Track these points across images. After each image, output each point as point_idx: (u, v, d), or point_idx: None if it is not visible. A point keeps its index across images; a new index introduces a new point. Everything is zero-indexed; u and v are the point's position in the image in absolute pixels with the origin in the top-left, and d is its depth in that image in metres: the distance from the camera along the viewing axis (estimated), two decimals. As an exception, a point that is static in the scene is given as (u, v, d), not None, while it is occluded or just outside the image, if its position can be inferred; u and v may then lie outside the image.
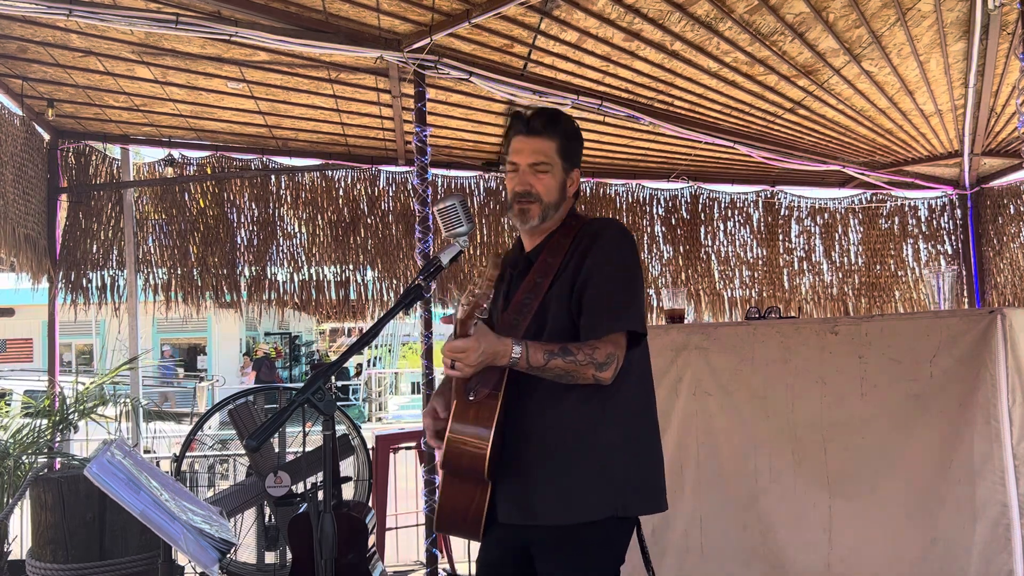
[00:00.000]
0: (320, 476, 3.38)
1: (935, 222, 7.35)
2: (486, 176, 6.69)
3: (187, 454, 4.61)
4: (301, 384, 5.96)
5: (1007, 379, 2.91)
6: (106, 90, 5.18)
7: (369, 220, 6.48)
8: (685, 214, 7.19)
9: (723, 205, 7.27)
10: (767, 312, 3.90)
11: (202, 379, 18.89)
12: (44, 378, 6.42)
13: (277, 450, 4.14)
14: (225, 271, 6.18)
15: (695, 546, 3.63)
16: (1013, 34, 4.41)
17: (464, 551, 4.94)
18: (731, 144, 5.90)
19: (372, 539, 3.68)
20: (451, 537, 4.98)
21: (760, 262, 7.29)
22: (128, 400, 5.68)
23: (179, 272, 6.11)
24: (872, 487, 3.20)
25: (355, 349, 2.03)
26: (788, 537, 3.39)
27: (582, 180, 2.23)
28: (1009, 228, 6.84)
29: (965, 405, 2.99)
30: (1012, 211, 6.82)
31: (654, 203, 7.15)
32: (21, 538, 4.46)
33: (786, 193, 7.34)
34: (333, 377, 2.31)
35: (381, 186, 6.49)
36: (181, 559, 3.78)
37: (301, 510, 3.42)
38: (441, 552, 4.81)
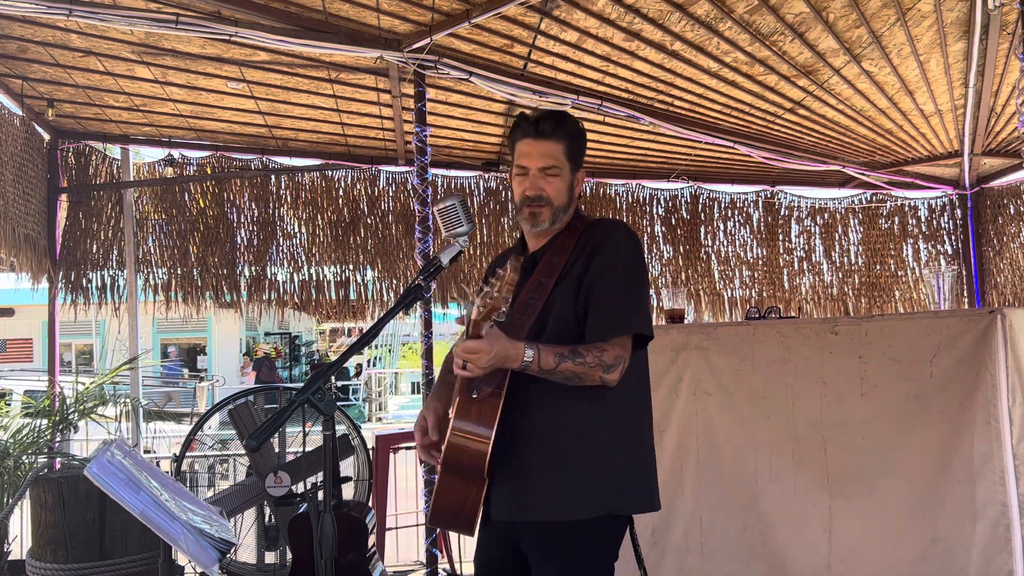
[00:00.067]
0: (320, 476, 3.38)
1: (935, 222, 7.35)
2: (486, 176, 6.69)
3: (187, 454, 4.61)
4: (301, 384, 5.96)
5: (1007, 379, 2.91)
6: (106, 90, 5.18)
7: (369, 220, 6.48)
8: (685, 214, 7.19)
9: (723, 205, 7.27)
10: (767, 312, 3.90)
11: (202, 379, 18.90)
12: (44, 378, 6.42)
13: (277, 450, 4.14)
14: (225, 271, 6.19)
15: (695, 546, 3.63)
16: (1013, 34, 4.41)
17: (464, 551, 4.94)
18: (731, 144, 5.90)
19: (372, 539, 3.68)
20: (451, 537, 4.99)
21: (760, 262, 7.29)
22: (128, 400, 5.68)
23: (179, 272, 6.11)
24: (872, 487, 3.20)
25: (355, 349, 2.04)
26: (788, 537, 3.39)
27: (582, 180, 2.23)
28: (1009, 228, 6.84)
29: (965, 405, 2.99)
30: (1012, 211, 6.82)
31: (654, 203, 7.15)
32: (21, 538, 4.45)
33: (786, 193, 7.34)
34: (333, 377, 2.31)
35: (381, 186, 6.49)
36: (181, 559, 3.78)
37: (301, 510, 3.42)
38: (441, 552, 4.81)
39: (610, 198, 7.01)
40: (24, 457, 4.54)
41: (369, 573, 3.47)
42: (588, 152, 2.21)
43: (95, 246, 5.95)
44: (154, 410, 6.48)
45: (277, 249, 6.31)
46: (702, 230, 7.22)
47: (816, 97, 5.19)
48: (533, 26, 4.35)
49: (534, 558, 2.02)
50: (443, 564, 4.81)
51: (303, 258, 6.36)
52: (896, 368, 3.16)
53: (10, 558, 4.20)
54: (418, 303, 3.54)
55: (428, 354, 4.59)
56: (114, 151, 6.09)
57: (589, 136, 2.23)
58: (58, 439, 4.85)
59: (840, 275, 7.36)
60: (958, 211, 7.25)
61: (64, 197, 5.84)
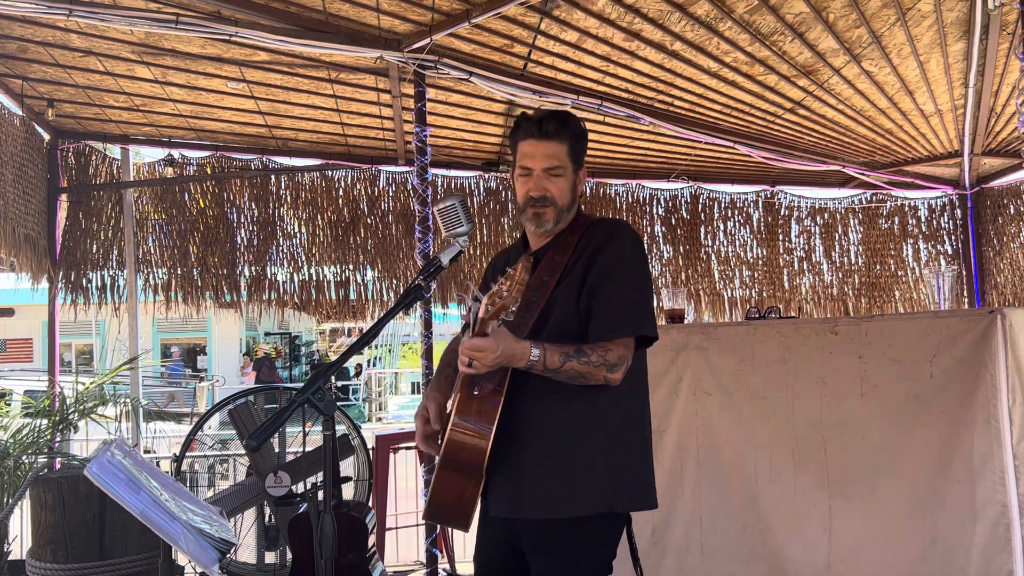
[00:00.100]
0: (320, 476, 3.38)
1: (935, 222, 7.35)
2: (486, 176, 6.69)
3: (187, 454, 4.61)
4: (301, 384, 5.96)
5: (1007, 379, 2.91)
6: (106, 90, 5.18)
7: (369, 220, 6.48)
8: (685, 214, 7.19)
9: (723, 205, 7.27)
10: (767, 312, 3.90)
11: (202, 379, 18.90)
12: (44, 378, 6.42)
13: (277, 450, 4.14)
14: (225, 271, 6.19)
15: (695, 546, 3.63)
16: (1013, 34, 4.41)
17: (465, 551, 4.94)
18: (731, 144, 5.90)
19: (372, 539, 3.68)
20: (451, 537, 4.99)
21: (760, 262, 7.29)
22: (128, 400, 5.68)
23: (179, 272, 6.11)
24: (872, 487, 3.20)
25: (355, 349, 2.04)
26: (788, 537, 3.39)
27: (581, 180, 2.24)
28: (1009, 228, 6.84)
29: (965, 405, 2.99)
30: (1012, 211, 6.82)
31: (654, 203, 7.15)
32: (21, 538, 4.45)
33: (786, 193, 7.34)
34: (333, 377, 2.31)
35: (381, 186, 6.49)
36: (181, 559, 3.78)
37: (301, 510, 3.42)
38: (441, 552, 4.81)
39: (610, 198, 7.01)
40: (24, 457, 4.54)
41: (369, 573, 3.47)
42: (588, 152, 2.22)
43: (95, 246, 5.95)
44: (154, 410, 6.48)
45: (277, 249, 6.31)
46: (702, 230, 7.22)
47: (816, 97, 5.19)
48: (533, 26, 4.35)
49: (533, 556, 2.03)
50: (443, 564, 4.81)
51: (303, 258, 6.36)
52: (896, 368, 3.16)
53: (10, 558, 4.20)
54: (418, 303, 3.54)
55: (428, 354, 4.58)
56: (114, 151, 6.09)
57: (589, 136, 2.24)
58: (58, 439, 4.85)
59: (840, 275, 7.36)
60: (958, 211, 7.25)
61: (64, 197, 5.84)
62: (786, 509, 3.41)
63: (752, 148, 5.98)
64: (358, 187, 6.45)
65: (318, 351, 23.60)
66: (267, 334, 23.34)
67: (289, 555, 3.57)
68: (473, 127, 5.88)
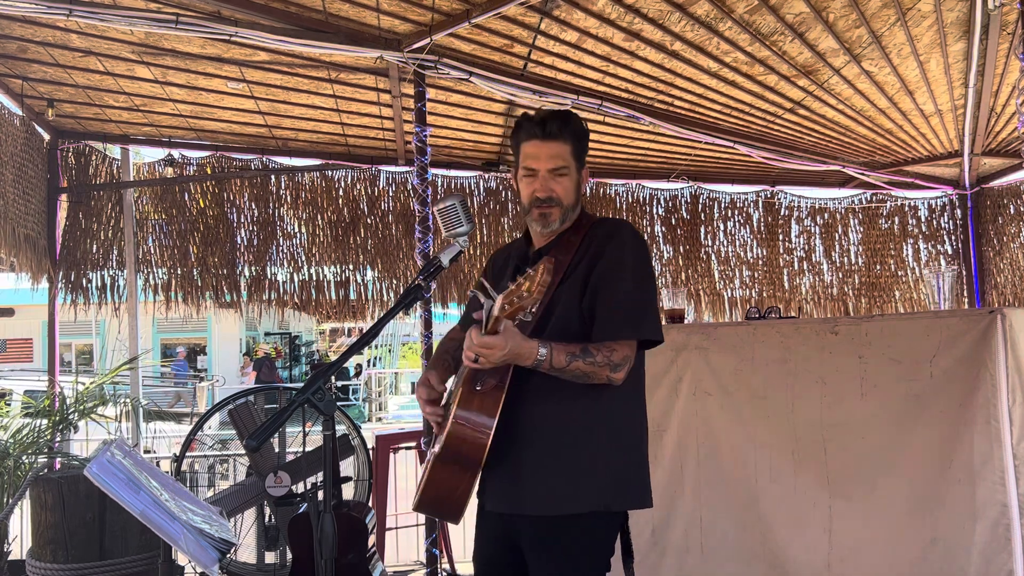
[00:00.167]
0: (320, 476, 3.38)
1: (935, 222, 7.35)
2: (486, 176, 6.69)
3: (187, 454, 4.61)
4: (301, 384, 5.96)
5: (1007, 379, 2.91)
6: (106, 90, 5.18)
7: (369, 220, 6.48)
8: (685, 214, 7.19)
9: (723, 205, 7.27)
10: (767, 312, 3.90)
11: (202, 379, 18.90)
12: (44, 378, 6.42)
13: (277, 450, 4.14)
14: (225, 271, 6.18)
15: (695, 546, 3.63)
16: (1013, 34, 4.41)
17: (464, 551, 4.94)
18: (731, 144, 5.90)
19: (372, 539, 3.68)
20: (451, 537, 4.99)
21: (760, 262, 7.29)
22: (128, 400, 5.68)
23: (179, 272, 6.11)
24: (872, 487, 3.20)
25: (355, 349, 2.04)
26: (788, 537, 3.39)
27: (582, 180, 2.24)
28: (1009, 228, 6.84)
29: (965, 405, 2.99)
30: (1012, 211, 6.82)
31: (654, 203, 7.15)
32: (21, 538, 4.45)
33: (786, 193, 7.34)
34: (333, 377, 2.32)
35: (381, 186, 6.49)
36: (181, 559, 3.78)
37: (301, 510, 3.42)
38: (441, 552, 4.81)
39: (610, 198, 7.01)
40: (24, 457, 4.54)
41: (369, 573, 3.48)
42: (588, 152, 2.23)
43: (95, 246, 5.95)
44: (154, 410, 6.48)
45: (277, 249, 6.31)
46: (702, 230, 7.22)
47: (816, 97, 5.19)
48: (533, 26, 4.35)
49: (530, 553, 2.05)
50: (443, 564, 4.81)
51: (303, 258, 6.36)
52: (896, 368, 3.16)
53: (10, 558, 4.20)
54: (418, 303, 3.54)
55: (428, 354, 4.59)
56: (114, 151, 6.10)
57: (589, 136, 2.24)
58: (58, 439, 4.85)
59: (840, 275, 7.36)
60: (958, 211, 7.25)
61: (64, 197, 5.84)
62: (786, 509, 3.41)
63: (752, 148, 5.98)
64: (358, 187, 6.45)
65: (318, 351, 23.60)
66: (267, 334, 23.34)
67: (289, 555, 3.58)
68: (473, 127, 5.88)
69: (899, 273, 7.35)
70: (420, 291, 2.03)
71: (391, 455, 5.14)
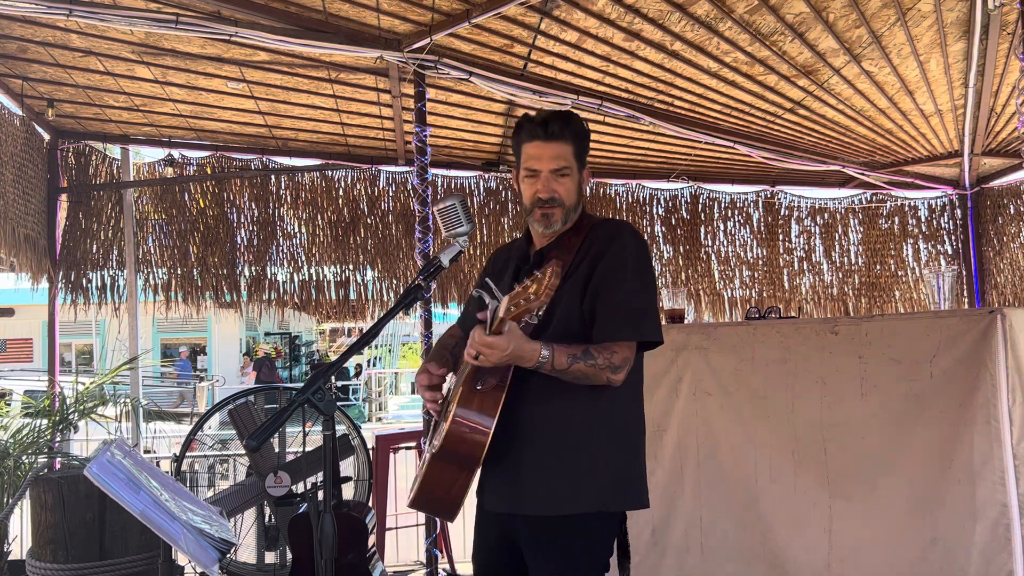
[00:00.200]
0: (320, 476, 3.38)
1: (935, 222, 7.35)
2: (486, 176, 6.69)
3: (187, 454, 4.61)
4: (301, 384, 5.96)
5: (1007, 379, 2.91)
6: (106, 90, 5.18)
7: (369, 220, 6.48)
8: (685, 214, 7.19)
9: (723, 205, 7.27)
10: (767, 312, 3.90)
11: (202, 379, 18.89)
12: (44, 378, 6.42)
13: (277, 450, 4.14)
14: (225, 271, 6.18)
15: (695, 546, 3.63)
16: (1013, 34, 4.41)
17: (464, 551, 4.94)
18: (731, 144, 5.90)
19: (372, 539, 3.68)
20: (451, 536, 4.99)
21: (760, 262, 7.29)
22: (128, 400, 5.68)
23: (179, 272, 6.12)
24: (872, 487, 3.20)
25: (355, 349, 2.04)
26: (788, 537, 3.39)
27: (582, 181, 2.24)
28: (1009, 228, 6.84)
29: (965, 405, 2.99)
30: (1012, 211, 6.82)
31: (654, 203, 7.15)
32: (21, 538, 4.45)
33: (786, 193, 7.34)
34: (333, 377, 2.32)
35: (381, 186, 6.49)
36: (181, 559, 3.77)
37: (301, 510, 3.42)
38: (441, 552, 4.81)
39: (610, 198, 7.01)
40: (24, 457, 4.54)
41: (369, 573, 3.48)
42: (589, 152, 2.23)
43: (95, 246, 5.95)
44: (154, 410, 6.48)
45: (277, 249, 6.31)
46: (702, 230, 7.22)
47: (816, 97, 5.19)
48: (533, 26, 4.35)
49: (529, 553, 2.05)
50: (443, 564, 4.81)
51: (303, 258, 6.36)
52: (896, 368, 3.16)
53: (10, 558, 4.20)
54: (418, 303, 3.54)
55: (428, 354, 4.58)
56: (114, 151, 6.10)
57: (590, 136, 2.24)
58: (58, 439, 4.85)
59: (840, 275, 7.36)
60: (958, 211, 7.25)
61: (64, 197, 5.84)
62: (786, 509, 3.41)
63: (752, 148, 5.98)
64: (358, 187, 6.45)
65: (318, 351, 23.60)
66: (267, 334, 23.33)
67: (289, 555, 3.58)
68: (473, 127, 5.88)
69: (899, 273, 7.35)
70: (420, 291, 2.03)
71: (391, 455, 5.14)
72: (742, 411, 3.56)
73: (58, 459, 4.79)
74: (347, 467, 4.33)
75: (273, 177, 6.26)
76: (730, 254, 7.26)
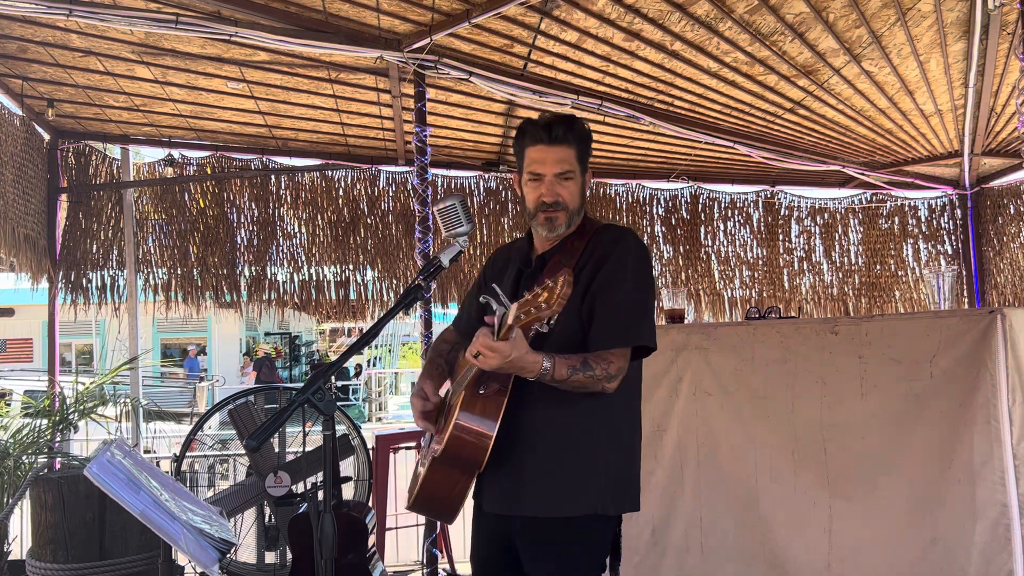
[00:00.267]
0: (320, 476, 3.38)
1: (935, 222, 7.35)
2: (486, 176, 6.69)
3: (187, 454, 4.61)
4: (301, 384, 5.96)
5: (1007, 379, 2.90)
6: (106, 90, 5.18)
7: (369, 220, 6.48)
8: (685, 214, 7.19)
9: (723, 205, 7.27)
10: (767, 312, 3.90)
11: (202, 379, 18.89)
12: (44, 378, 6.42)
13: (277, 450, 4.14)
14: (225, 271, 6.19)
15: (695, 546, 3.63)
16: (1013, 34, 4.41)
17: (464, 551, 4.94)
18: (731, 144, 5.90)
19: (372, 539, 3.68)
20: (451, 537, 4.99)
21: (760, 262, 7.29)
22: (128, 400, 5.68)
23: (179, 272, 6.12)
24: (872, 487, 3.20)
25: (355, 349, 2.04)
26: (788, 537, 3.39)
27: (582, 181, 2.24)
28: (1009, 228, 6.84)
29: (965, 405, 2.98)
30: (1012, 211, 6.82)
31: (654, 203, 7.15)
32: (21, 538, 4.45)
33: (786, 193, 7.34)
34: (333, 377, 2.32)
35: (381, 186, 6.49)
36: (181, 559, 3.78)
37: (301, 510, 3.42)
38: (441, 552, 4.81)
39: (610, 198, 7.01)
40: (24, 457, 4.54)
41: (369, 573, 3.47)
42: (591, 155, 2.23)
43: (95, 246, 5.95)
44: (154, 410, 6.48)
45: (277, 249, 6.31)
46: (702, 230, 7.23)
47: (816, 97, 5.19)
48: (533, 26, 4.35)
49: (527, 554, 2.06)
50: (443, 564, 4.81)
51: (303, 258, 6.36)
52: (896, 368, 3.16)
53: (10, 558, 4.20)
54: (418, 303, 3.54)
55: (427, 354, 4.58)
56: (114, 151, 6.10)
57: (592, 139, 2.24)
58: (58, 439, 4.85)
59: (840, 275, 7.36)
60: (958, 211, 7.25)
61: (64, 197, 5.84)
62: (786, 509, 3.41)
63: (752, 148, 5.98)
64: (358, 187, 6.45)
65: (318, 351, 23.59)
66: (267, 334, 23.33)
67: (289, 555, 3.57)
68: (473, 127, 5.88)
69: (899, 273, 7.35)
70: (420, 291, 2.03)
71: (391, 455, 5.13)
72: (742, 411, 3.56)
73: (58, 459, 4.79)
74: (347, 467, 4.33)
75: (273, 177, 6.26)
76: (730, 254, 7.26)
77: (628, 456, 2.11)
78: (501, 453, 1.97)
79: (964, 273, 7.12)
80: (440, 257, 2.05)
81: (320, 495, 2.07)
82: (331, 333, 24.51)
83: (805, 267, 7.37)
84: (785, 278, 7.31)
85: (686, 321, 4.36)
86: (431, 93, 4.95)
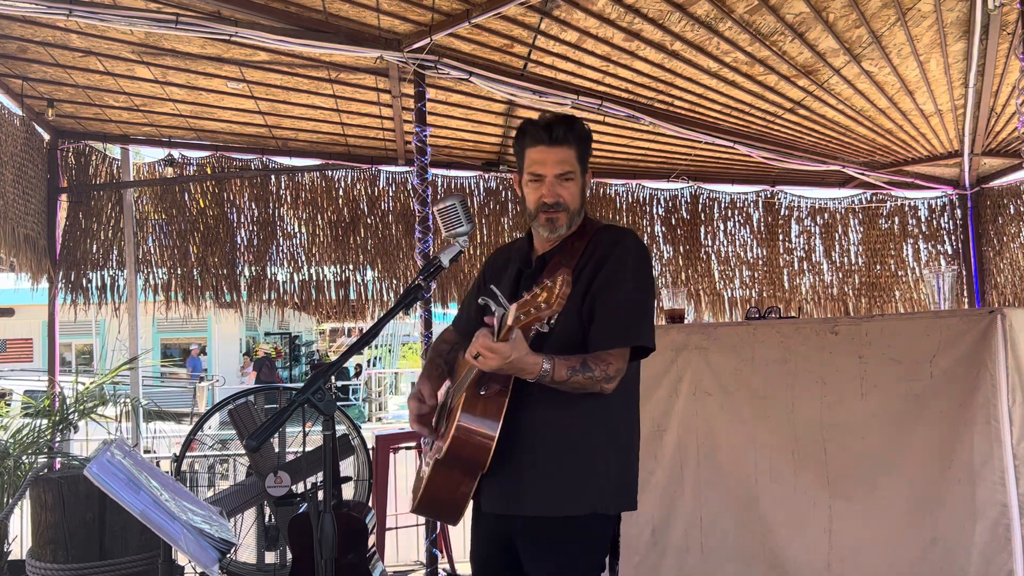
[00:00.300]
0: (320, 476, 3.38)
1: (935, 222, 7.35)
2: (486, 176, 6.69)
3: (187, 454, 4.61)
4: (301, 384, 5.96)
5: (1007, 379, 2.90)
6: (106, 90, 5.18)
7: (369, 220, 6.48)
8: (685, 214, 7.19)
9: (723, 205, 7.27)
10: (767, 312, 3.90)
11: (202, 379, 18.89)
12: (44, 378, 6.41)
13: (277, 450, 4.14)
14: (225, 271, 6.19)
15: (695, 546, 3.63)
16: (1013, 34, 4.41)
17: (464, 551, 4.94)
18: (731, 144, 5.90)
19: (372, 539, 3.68)
20: (451, 537, 4.99)
21: (760, 262, 7.29)
22: (128, 400, 5.68)
23: (179, 272, 6.12)
24: (872, 487, 3.20)
25: (355, 349, 2.04)
26: (788, 537, 3.39)
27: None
28: (1009, 228, 6.84)
29: (965, 405, 2.98)
30: (1012, 211, 6.82)
31: (654, 203, 7.15)
32: (21, 538, 4.45)
33: (786, 193, 7.34)
34: (333, 377, 2.32)
35: (381, 186, 6.49)
36: (181, 559, 3.78)
37: (301, 510, 3.42)
38: (441, 552, 4.81)
39: (610, 198, 7.01)
40: (24, 457, 4.54)
41: (369, 573, 3.48)
42: (591, 155, 2.23)
43: (95, 246, 5.95)
44: (154, 410, 6.48)
45: (277, 249, 6.31)
46: (702, 230, 7.23)
47: (816, 97, 5.19)
48: (533, 26, 4.35)
49: (525, 554, 2.07)
50: (443, 564, 4.81)
51: (303, 258, 6.36)
52: (896, 368, 3.16)
53: (10, 558, 4.20)
54: (418, 303, 3.54)
55: (427, 354, 4.58)
56: (114, 151, 6.10)
57: (592, 139, 2.24)
58: (58, 439, 4.85)
59: (840, 275, 7.36)
60: (958, 211, 7.25)
61: (64, 197, 5.84)
62: (786, 509, 3.41)
63: (752, 148, 5.98)
64: (358, 187, 6.45)
65: (318, 351, 23.59)
66: (267, 334, 23.33)
67: (289, 555, 3.58)
68: (473, 127, 5.88)
69: (899, 273, 7.35)
70: (420, 291, 2.03)
71: (391, 455, 5.14)
72: (742, 411, 3.56)
73: (58, 459, 4.79)
74: (347, 467, 4.33)
75: (273, 177, 6.26)
76: (730, 254, 7.26)
77: (627, 456, 2.11)
78: (501, 454, 1.97)
79: (964, 273, 7.12)
80: (440, 257, 2.05)
81: (320, 495, 2.07)
82: (331, 333, 24.52)
83: (805, 267, 7.37)
84: (785, 278, 7.31)
85: (686, 321, 4.36)
86: (431, 93, 4.95)
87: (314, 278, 6.37)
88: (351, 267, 6.44)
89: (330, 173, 6.38)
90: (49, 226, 5.64)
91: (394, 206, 6.51)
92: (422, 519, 4.75)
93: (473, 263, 6.61)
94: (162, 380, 18.15)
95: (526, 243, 2.25)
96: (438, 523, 4.54)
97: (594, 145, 2.24)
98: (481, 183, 6.71)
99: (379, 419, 16.26)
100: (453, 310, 6.86)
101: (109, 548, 3.50)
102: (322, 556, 1.92)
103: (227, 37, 4.16)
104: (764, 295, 7.26)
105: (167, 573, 2.80)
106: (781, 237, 7.34)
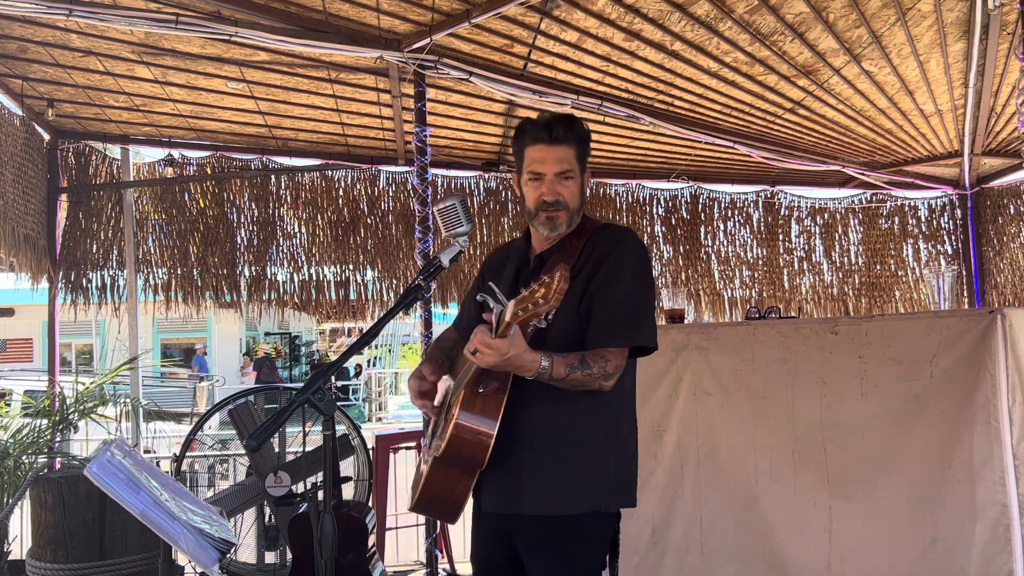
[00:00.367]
0: (320, 476, 3.38)
1: (935, 222, 7.35)
2: (486, 176, 6.69)
3: (187, 454, 4.61)
4: (301, 384, 5.96)
5: (1007, 379, 2.91)
6: (106, 90, 5.18)
7: (369, 220, 6.48)
8: (685, 214, 7.19)
9: (723, 205, 7.27)
10: (767, 312, 3.90)
11: (202, 379, 18.89)
12: (44, 378, 6.41)
13: (277, 450, 4.14)
14: (225, 271, 6.19)
15: (695, 546, 3.63)
16: (1013, 34, 4.41)
17: (464, 551, 4.94)
18: (731, 144, 5.90)
19: (372, 539, 3.68)
20: (451, 536, 4.99)
21: (760, 262, 7.29)
22: (128, 400, 5.68)
23: (179, 272, 6.12)
24: (872, 487, 3.20)
25: (355, 349, 2.04)
26: (788, 537, 3.39)
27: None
28: (1009, 228, 6.84)
29: (965, 405, 2.99)
30: (1012, 211, 6.82)
31: (654, 203, 7.15)
32: (21, 538, 4.45)
33: (786, 193, 7.34)
34: (333, 377, 2.32)
35: (381, 186, 6.49)
36: (181, 559, 3.77)
37: (301, 510, 3.42)
38: (441, 552, 4.81)
39: (610, 198, 7.01)
40: (24, 457, 4.54)
41: (369, 573, 3.48)
42: (590, 154, 2.23)
43: (95, 246, 5.95)
44: (154, 410, 6.48)
45: (277, 249, 6.31)
46: (702, 230, 7.23)
47: (816, 97, 5.19)
48: (533, 26, 4.35)
49: (526, 553, 2.07)
50: (443, 564, 4.81)
51: (303, 258, 6.36)
52: (896, 368, 3.16)
53: (10, 558, 4.20)
54: (418, 303, 3.54)
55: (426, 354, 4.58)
56: (114, 151, 6.10)
57: (591, 138, 2.25)
58: (58, 439, 4.85)
59: (840, 275, 7.36)
60: (958, 211, 7.25)
61: (64, 197, 5.84)
62: (786, 509, 3.41)
63: (752, 148, 5.98)
64: (358, 187, 6.45)
65: (318, 351, 23.59)
66: (267, 334, 23.33)
67: (289, 555, 3.58)
68: (473, 127, 5.88)
69: (899, 273, 7.35)
70: (420, 291, 2.03)
71: (391, 455, 5.14)
72: (742, 411, 3.56)
73: (58, 459, 4.79)
74: (347, 467, 4.33)
75: (273, 177, 6.26)
76: (730, 254, 7.26)
77: (626, 453, 2.11)
78: (500, 452, 1.97)
79: (964, 273, 7.12)
80: (440, 257, 2.05)
81: (320, 495, 2.07)
82: (331, 333, 24.52)
83: (805, 267, 7.37)
84: (785, 278, 7.31)
85: (686, 321, 4.36)
86: (431, 93, 4.95)
87: (314, 278, 6.37)
88: (351, 267, 6.44)
89: (330, 173, 6.39)
90: (49, 226, 5.64)
91: (394, 206, 6.51)
92: (422, 519, 4.75)
93: (473, 263, 6.61)
94: (162, 380, 18.15)
95: (524, 242, 2.25)
96: (438, 523, 4.54)
97: (594, 145, 2.24)
98: (481, 183, 6.71)
99: (379, 419, 16.26)
100: (453, 310, 6.86)
101: (109, 548, 3.50)
102: (322, 556, 1.92)
103: (227, 37, 4.16)
104: (764, 295, 7.26)
105: (167, 573, 2.80)
106: (781, 237, 7.34)
